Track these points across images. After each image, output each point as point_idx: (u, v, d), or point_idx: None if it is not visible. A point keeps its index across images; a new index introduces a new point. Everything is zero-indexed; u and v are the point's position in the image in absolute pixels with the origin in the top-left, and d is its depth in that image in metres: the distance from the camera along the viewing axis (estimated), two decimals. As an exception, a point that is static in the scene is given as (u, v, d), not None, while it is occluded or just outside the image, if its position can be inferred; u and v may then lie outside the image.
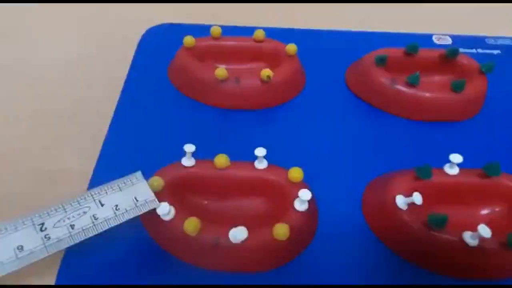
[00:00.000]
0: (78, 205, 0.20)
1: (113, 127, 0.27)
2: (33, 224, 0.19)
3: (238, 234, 0.19)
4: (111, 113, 0.28)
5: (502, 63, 0.32)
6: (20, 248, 0.18)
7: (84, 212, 0.20)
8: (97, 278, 0.20)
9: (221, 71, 0.27)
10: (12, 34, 0.36)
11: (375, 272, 0.21)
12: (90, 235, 0.19)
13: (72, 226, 0.19)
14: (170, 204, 0.21)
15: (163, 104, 0.29)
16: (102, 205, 0.20)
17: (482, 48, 0.34)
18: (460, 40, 0.34)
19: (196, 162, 0.23)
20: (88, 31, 0.36)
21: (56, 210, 0.19)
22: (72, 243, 0.19)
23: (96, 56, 0.34)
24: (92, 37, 0.36)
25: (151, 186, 0.21)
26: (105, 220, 0.20)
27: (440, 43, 0.34)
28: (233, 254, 0.20)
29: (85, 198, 0.20)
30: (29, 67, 0.33)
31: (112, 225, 0.20)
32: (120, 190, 0.21)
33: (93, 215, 0.20)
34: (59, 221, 0.19)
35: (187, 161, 0.23)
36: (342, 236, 0.22)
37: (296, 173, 0.22)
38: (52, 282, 0.20)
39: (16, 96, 0.30)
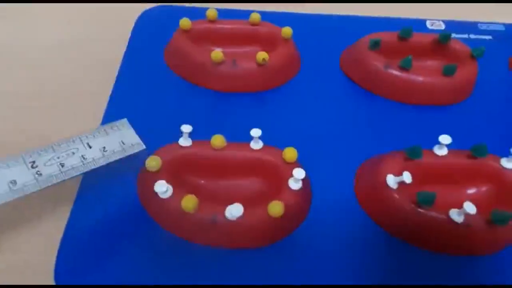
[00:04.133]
0: (67, 146, 0.21)
1: (110, 109, 0.27)
2: (24, 162, 0.20)
3: (234, 211, 0.20)
4: (107, 95, 0.28)
5: (493, 49, 0.32)
6: (14, 182, 0.19)
7: (73, 153, 0.21)
8: (97, 260, 0.20)
9: (217, 54, 0.28)
10: (9, 15, 0.35)
11: (365, 248, 0.22)
12: (80, 172, 0.21)
13: (62, 165, 0.20)
14: (168, 182, 0.21)
15: (159, 86, 0.29)
16: (90, 147, 0.21)
17: (475, 33, 0.35)
18: (453, 25, 0.35)
19: (193, 142, 0.23)
20: (84, 12, 0.36)
21: (45, 150, 0.21)
22: (63, 179, 0.20)
23: (92, 38, 0.33)
24: (88, 19, 0.35)
25: (149, 166, 0.21)
26: (94, 160, 0.21)
27: (433, 28, 0.35)
28: (230, 231, 0.21)
29: (73, 141, 0.21)
30: (26, 48, 0.33)
31: (101, 164, 0.21)
32: (107, 134, 0.22)
33: (82, 155, 0.21)
34: (49, 159, 0.20)
35: (184, 142, 0.23)
36: (335, 214, 0.23)
37: (290, 153, 0.23)
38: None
39: (13, 78, 0.30)
